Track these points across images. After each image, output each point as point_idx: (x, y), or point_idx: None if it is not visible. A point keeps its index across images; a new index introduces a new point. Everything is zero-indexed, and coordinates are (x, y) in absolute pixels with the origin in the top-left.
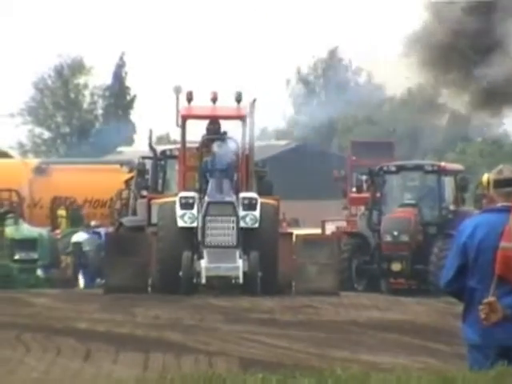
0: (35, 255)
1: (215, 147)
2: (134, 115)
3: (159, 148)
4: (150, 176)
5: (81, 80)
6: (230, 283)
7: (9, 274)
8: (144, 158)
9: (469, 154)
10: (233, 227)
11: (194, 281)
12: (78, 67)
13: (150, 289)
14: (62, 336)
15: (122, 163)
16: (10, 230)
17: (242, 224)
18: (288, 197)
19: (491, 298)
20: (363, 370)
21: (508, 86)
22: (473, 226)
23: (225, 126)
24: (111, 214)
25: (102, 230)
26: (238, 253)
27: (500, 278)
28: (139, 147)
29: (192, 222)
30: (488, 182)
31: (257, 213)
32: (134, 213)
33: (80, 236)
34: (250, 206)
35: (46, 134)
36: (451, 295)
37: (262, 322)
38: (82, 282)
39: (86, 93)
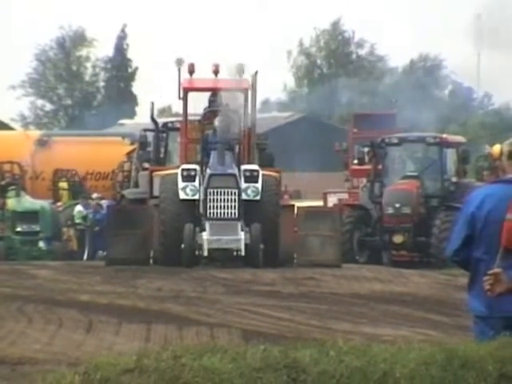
0: (37, 227)
1: (217, 120)
2: (136, 87)
3: (161, 120)
4: (151, 148)
5: (83, 52)
6: (232, 255)
7: (11, 245)
8: (146, 130)
9: (470, 125)
10: (234, 199)
11: (196, 253)
12: (79, 39)
13: (151, 261)
14: (65, 308)
15: (123, 135)
16: (11, 203)
17: (243, 196)
18: (290, 169)
19: (496, 269)
20: (365, 341)
21: None
22: (482, 196)
23: (226, 98)
24: (113, 187)
25: (104, 203)
26: (239, 225)
27: (506, 250)
28: (141, 119)
29: (194, 195)
30: (501, 153)
31: (258, 185)
32: (136, 185)
33: (77, 208)
34: (252, 178)
35: (48, 106)
36: (457, 264)
37: (263, 294)
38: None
39: (88, 65)
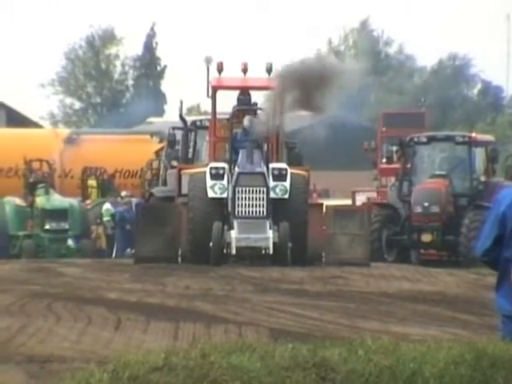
0: (66, 225)
1: (246, 118)
2: (165, 86)
3: (190, 119)
4: (180, 147)
5: (112, 50)
6: (260, 254)
7: (40, 243)
8: (174, 128)
9: (499, 124)
10: (263, 198)
11: (224, 251)
12: (109, 38)
13: (180, 259)
14: (93, 306)
15: (152, 134)
16: (40, 200)
17: (272, 194)
18: (318, 167)
19: None
20: (393, 340)
21: None
22: None
23: (255, 96)
24: (142, 185)
25: (134, 200)
26: (268, 223)
27: None
28: (169, 118)
29: (222, 193)
30: None
31: (287, 183)
32: (165, 183)
33: (105, 206)
34: (280, 176)
35: (77, 105)
36: (486, 264)
37: (291, 293)
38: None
39: (117, 63)
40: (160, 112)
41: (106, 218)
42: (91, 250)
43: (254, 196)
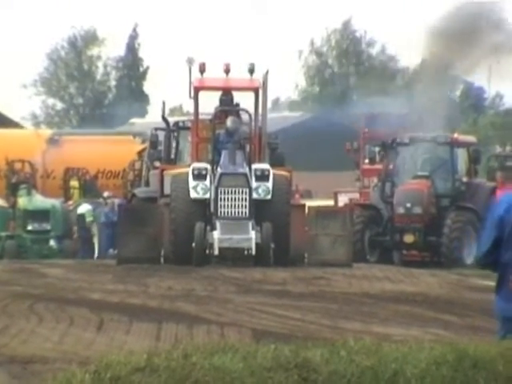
0: (48, 226)
1: (228, 119)
2: (147, 86)
3: (172, 119)
4: (162, 147)
5: (94, 51)
6: (243, 254)
7: (22, 244)
8: (157, 129)
9: (481, 125)
10: (245, 198)
11: (207, 252)
12: (91, 38)
13: (162, 260)
14: (75, 306)
15: (134, 134)
16: (23, 201)
17: (254, 195)
18: (301, 168)
19: None
20: (375, 341)
21: None
22: (510, 199)
23: (238, 97)
24: (124, 185)
25: (116, 201)
26: (250, 224)
27: None
28: (152, 118)
29: (205, 194)
30: None
31: (269, 184)
32: (147, 184)
33: (83, 207)
34: (263, 177)
35: (59, 105)
36: (486, 268)
37: (274, 294)
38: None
39: (99, 64)
40: (142, 113)
41: (89, 219)
42: (73, 251)
43: (237, 197)
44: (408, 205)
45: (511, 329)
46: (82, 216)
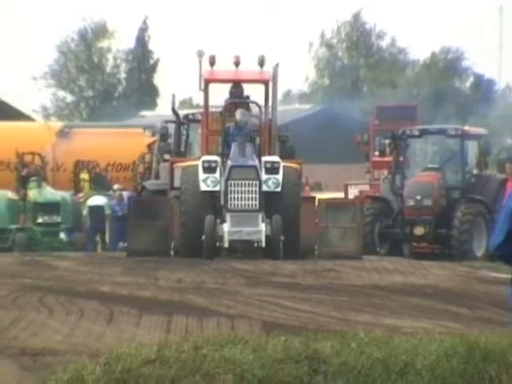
0: (58, 219)
1: (238, 112)
2: (157, 79)
3: (182, 112)
4: (172, 140)
5: (104, 44)
6: (253, 247)
7: (32, 237)
8: (167, 121)
9: (491, 117)
10: (255, 191)
11: (217, 244)
12: (101, 31)
13: (172, 252)
14: (85, 299)
15: (144, 127)
16: (33, 194)
17: (264, 188)
18: (311, 161)
19: None
20: (386, 333)
21: None
22: None
23: (248, 89)
24: (134, 178)
25: (125, 194)
26: (260, 216)
27: None
28: (162, 111)
29: (215, 186)
30: None
31: (279, 176)
32: (157, 176)
33: (99, 200)
34: (273, 169)
35: (69, 98)
36: (500, 259)
37: (284, 286)
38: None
39: (109, 56)
40: (152, 105)
41: (108, 212)
42: (83, 244)
43: (247, 189)
44: (418, 197)
45: None
46: (98, 208)
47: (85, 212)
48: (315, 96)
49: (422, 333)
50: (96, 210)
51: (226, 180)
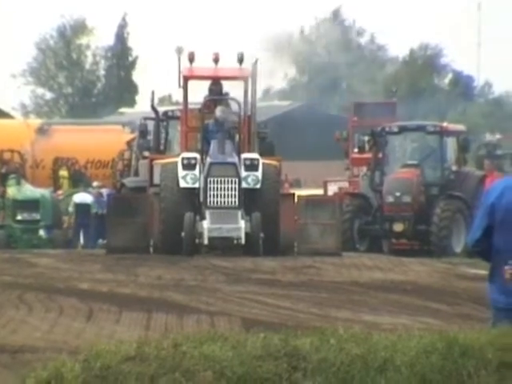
0: (37, 216)
1: (217, 108)
2: (136, 76)
3: (161, 109)
4: (151, 137)
5: (83, 40)
6: (232, 244)
7: (11, 234)
8: (146, 118)
9: (470, 114)
10: (235, 188)
11: (196, 241)
12: (80, 28)
13: (152, 249)
14: (65, 296)
15: (124, 124)
16: (12, 191)
17: (243, 185)
18: (290, 157)
19: None
20: (365, 329)
21: None
22: (502, 187)
23: (227, 86)
24: (113, 175)
25: (105, 191)
26: (240, 213)
27: None
28: (141, 108)
29: (194, 183)
30: None
31: (259, 173)
32: (136, 173)
33: (85, 197)
34: (252, 166)
35: (48, 95)
36: (477, 255)
37: (263, 283)
38: (81, 242)
39: (89, 53)
40: (132, 102)
41: (94, 210)
42: (63, 241)
43: (226, 186)
44: (397, 193)
45: (504, 319)
46: (84, 206)
47: (70, 208)
48: (294, 93)
49: (401, 329)
50: (82, 207)
51: (206, 177)
